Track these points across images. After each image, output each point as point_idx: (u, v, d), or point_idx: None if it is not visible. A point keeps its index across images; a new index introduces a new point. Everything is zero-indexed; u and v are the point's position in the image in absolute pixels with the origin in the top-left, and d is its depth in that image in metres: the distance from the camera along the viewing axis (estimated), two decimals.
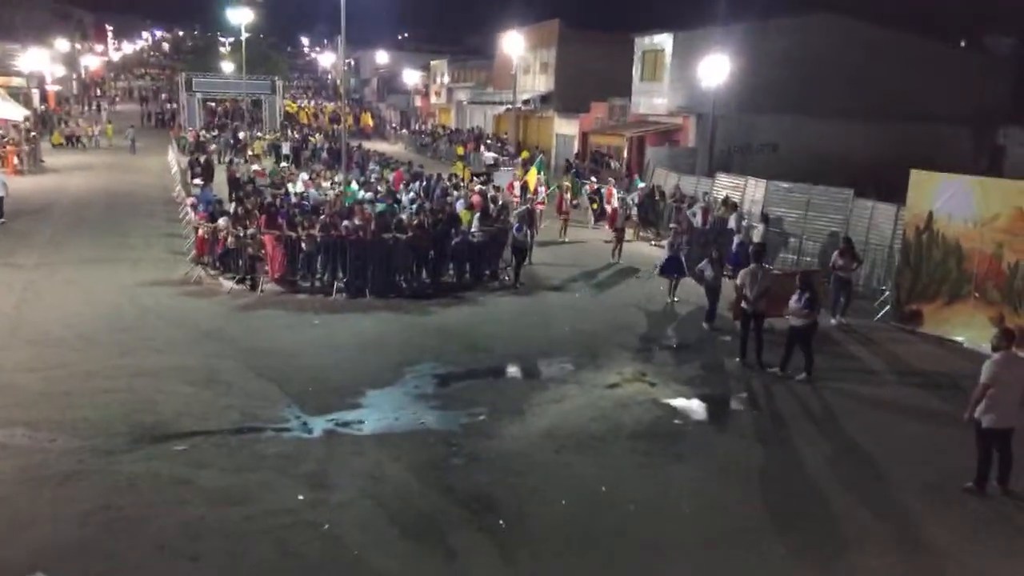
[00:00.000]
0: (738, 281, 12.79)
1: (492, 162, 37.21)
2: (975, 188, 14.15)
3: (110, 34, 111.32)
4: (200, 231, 17.50)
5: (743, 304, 12.61)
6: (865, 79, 31.52)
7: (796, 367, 12.11)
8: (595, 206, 25.65)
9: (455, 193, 22.89)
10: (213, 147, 39.56)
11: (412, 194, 23.09)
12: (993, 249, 13.60)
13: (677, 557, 7.40)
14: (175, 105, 60.05)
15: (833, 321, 15.18)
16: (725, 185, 23.42)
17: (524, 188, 25.65)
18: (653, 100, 33.92)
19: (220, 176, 28.53)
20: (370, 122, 62.83)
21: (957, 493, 8.63)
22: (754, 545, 7.61)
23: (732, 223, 19.72)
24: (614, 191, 24.42)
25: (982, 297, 13.81)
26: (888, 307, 15.72)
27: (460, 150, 42.92)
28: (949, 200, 14.33)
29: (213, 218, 17.64)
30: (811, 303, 11.85)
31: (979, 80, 33.97)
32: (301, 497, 8.08)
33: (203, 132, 45.54)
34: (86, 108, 68.32)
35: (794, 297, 11.96)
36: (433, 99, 70.70)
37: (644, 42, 34.70)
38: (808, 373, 12.03)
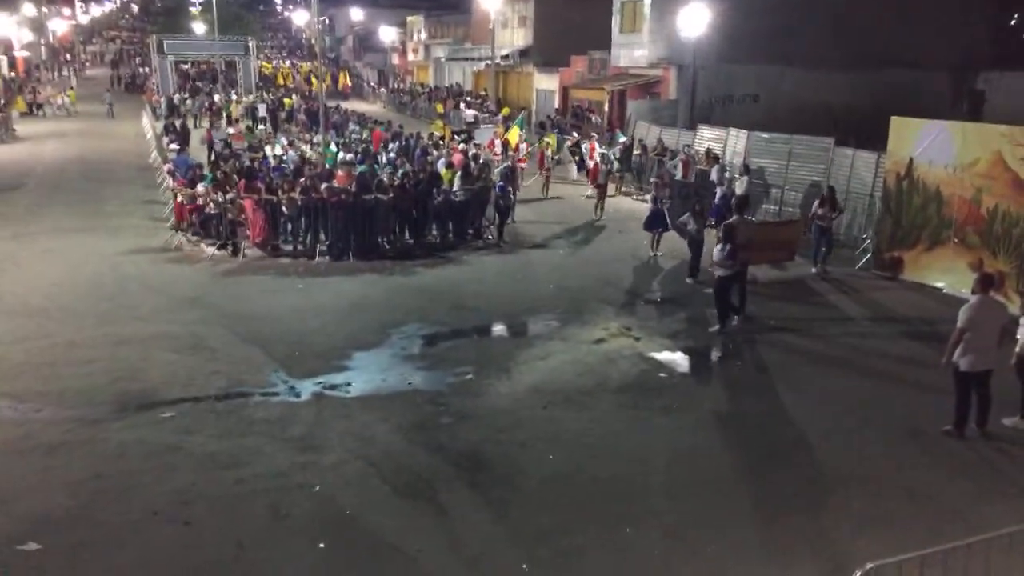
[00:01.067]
0: (719, 233, 12.80)
1: (472, 120, 36.81)
2: (955, 133, 14.16)
3: None
4: (178, 197, 17.29)
5: (718, 271, 12.59)
6: (844, 26, 31.25)
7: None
8: (576, 158, 25.59)
9: (435, 152, 22.67)
10: (187, 109, 38.89)
11: (392, 154, 22.86)
12: (972, 194, 13.66)
13: (665, 506, 7.53)
14: (147, 69, 58.85)
15: (814, 270, 15.28)
16: (707, 137, 23.31)
17: (505, 145, 25.45)
18: (633, 52, 33.54)
19: (196, 141, 28.12)
20: (348, 82, 61.88)
21: (937, 436, 8.79)
22: (739, 491, 7.75)
23: (714, 175, 19.69)
24: (596, 146, 24.29)
25: (961, 242, 13.92)
26: (869, 255, 15.82)
27: (440, 108, 42.43)
28: (929, 146, 14.35)
29: (192, 183, 17.41)
30: (733, 254, 11.86)
31: (958, 24, 33.80)
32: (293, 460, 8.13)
33: (177, 96, 44.71)
34: (56, 74, 66.86)
35: (717, 248, 12.04)
36: (411, 56, 69.61)
37: None
38: (721, 325, 12.05)
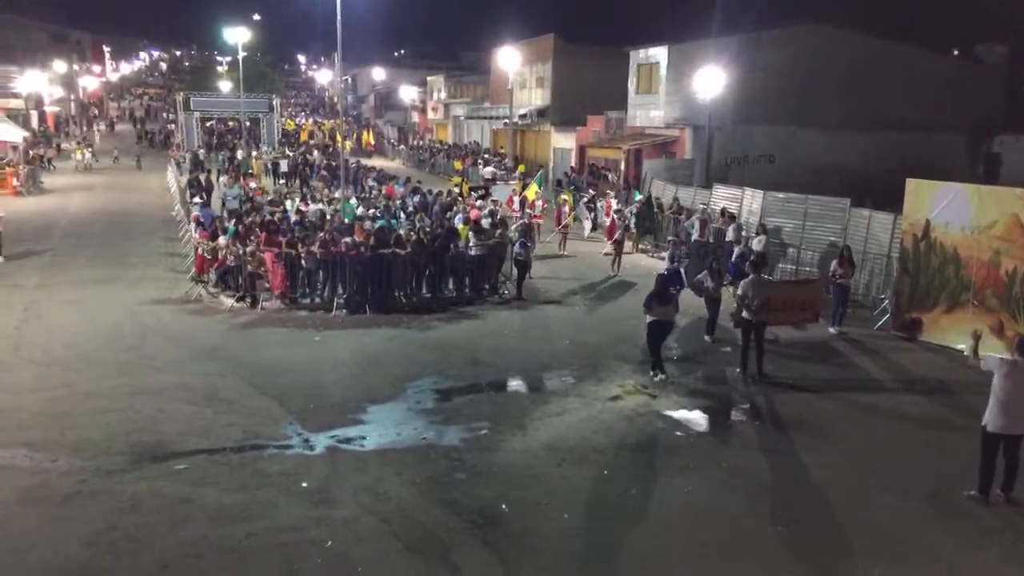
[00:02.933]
0: (739, 291, 12.84)
1: (490, 176, 37.31)
2: (971, 195, 14.20)
3: (108, 55, 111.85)
4: (199, 249, 17.54)
5: (744, 313, 12.64)
6: (858, 89, 31.71)
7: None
8: (591, 214, 25.83)
9: (454, 208, 22.96)
10: (210, 165, 39.65)
11: (411, 208, 23.16)
12: (990, 256, 13.63)
13: (681, 570, 7.39)
14: (173, 125, 60.30)
15: (832, 330, 15.21)
16: (723, 196, 23.49)
17: (523, 202, 25.72)
18: (649, 113, 34.06)
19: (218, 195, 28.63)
20: (371, 140, 63.03)
21: (960, 501, 8.62)
22: (758, 556, 7.60)
23: (731, 234, 19.78)
24: (612, 203, 24.50)
25: (980, 305, 13.84)
26: (887, 316, 15.74)
27: (458, 165, 43.05)
28: (946, 208, 14.38)
29: (214, 236, 17.68)
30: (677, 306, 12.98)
31: (973, 89, 34.18)
32: (306, 514, 8.07)
33: (202, 151, 45.67)
34: (83, 129, 68.57)
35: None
36: (430, 115, 70.98)
37: (639, 55, 34.89)
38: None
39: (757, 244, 18.83)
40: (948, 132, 32.36)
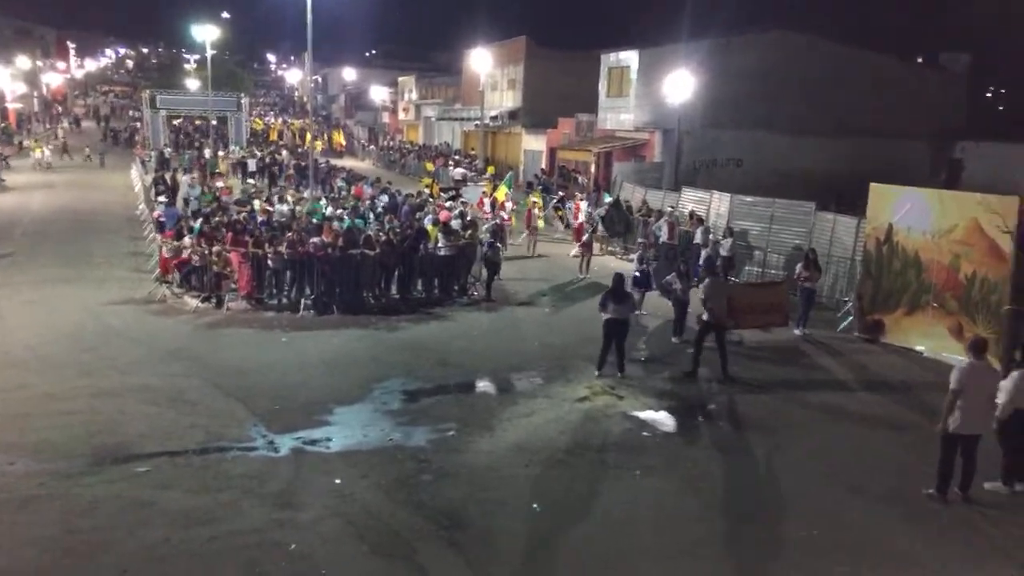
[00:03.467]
0: (700, 294, 13.02)
1: (460, 178, 37.26)
2: (933, 200, 14.48)
3: (73, 51, 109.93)
4: (164, 249, 17.30)
5: (704, 316, 12.83)
6: (826, 95, 32.17)
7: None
8: (560, 213, 25.96)
9: (425, 209, 22.91)
10: (177, 164, 39.13)
11: (380, 208, 23.06)
12: (950, 260, 13.89)
13: (645, 569, 7.42)
14: (139, 123, 59.44)
15: (798, 332, 15.40)
16: (691, 199, 23.69)
17: (494, 204, 25.74)
18: (619, 116, 34.25)
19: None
20: (342, 141, 62.60)
21: (920, 500, 8.77)
22: (723, 556, 7.67)
23: (699, 237, 19.95)
24: (582, 205, 24.60)
25: (940, 307, 14.09)
26: (851, 318, 15.97)
27: (429, 166, 42.95)
28: (908, 212, 14.64)
29: (179, 236, 17.45)
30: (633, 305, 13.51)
31: (936, 96, 34.85)
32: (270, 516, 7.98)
33: (168, 149, 45.07)
34: (47, 126, 67.35)
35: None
36: (401, 115, 70.75)
37: (610, 59, 35.07)
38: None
39: (724, 248, 19.03)
40: (912, 138, 32.95)
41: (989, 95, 69.60)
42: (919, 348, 14.40)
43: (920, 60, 41.34)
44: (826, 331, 15.79)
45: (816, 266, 15.86)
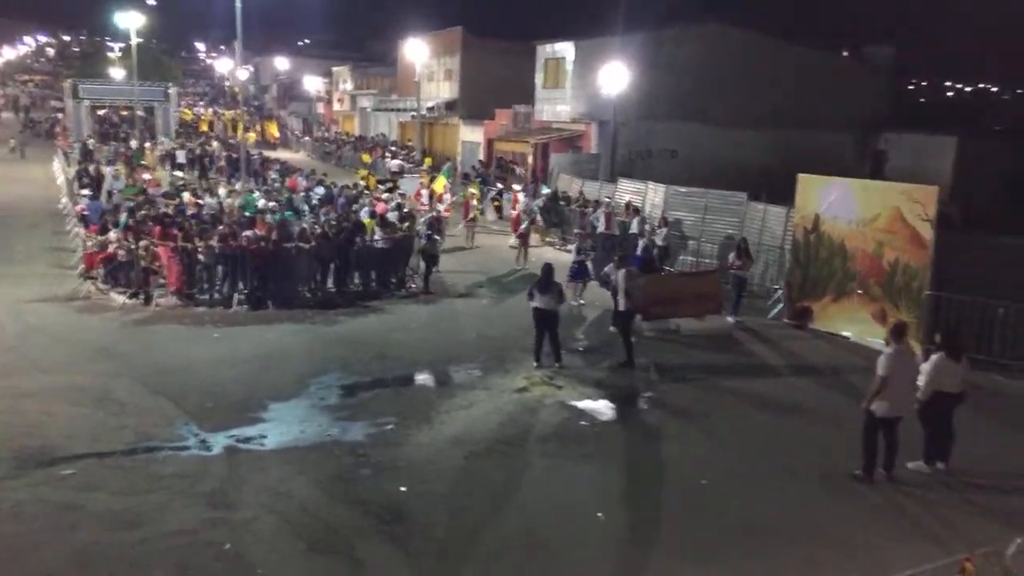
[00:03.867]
0: (621, 284, 13.21)
1: (398, 169, 36.93)
2: (857, 190, 14.94)
3: None
4: (88, 243, 16.70)
5: (621, 305, 13.10)
6: (756, 88, 32.88)
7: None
8: (497, 204, 25.98)
9: (361, 201, 22.63)
10: (101, 156, 37.74)
11: (316, 200, 22.70)
12: (874, 248, 14.35)
13: (585, 556, 7.50)
14: (61, 114, 57.19)
15: (730, 319, 15.73)
16: (627, 190, 23.96)
17: (431, 195, 25.59)
18: (556, 107, 34.41)
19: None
20: (276, 132, 61.23)
21: (847, 482, 9.06)
22: (658, 540, 7.80)
23: (635, 227, 20.17)
24: (520, 196, 24.63)
25: (865, 294, 14.56)
26: (780, 306, 16.39)
27: (367, 158, 42.41)
28: (834, 202, 15.06)
29: (104, 230, 16.86)
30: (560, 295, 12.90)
31: (861, 88, 35.94)
32: (201, 517, 7.80)
33: (91, 141, 43.47)
34: None
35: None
36: (336, 106, 69.72)
37: (546, 50, 35.18)
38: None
39: (659, 238, 19.30)
40: (839, 130, 33.94)
41: (911, 87, 72.19)
42: (845, 333, 14.86)
43: (846, 53, 42.53)
44: (757, 318, 16.17)
45: (748, 255, 16.23)
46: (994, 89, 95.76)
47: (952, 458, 9.29)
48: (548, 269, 12.91)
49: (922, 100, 71.88)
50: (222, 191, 24.47)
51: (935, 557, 6.84)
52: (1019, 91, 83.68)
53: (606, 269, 15.44)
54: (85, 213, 19.54)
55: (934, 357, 9.23)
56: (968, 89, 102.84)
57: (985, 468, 9.43)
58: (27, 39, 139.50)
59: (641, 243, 18.72)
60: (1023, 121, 54.92)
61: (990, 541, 6.45)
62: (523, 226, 21.21)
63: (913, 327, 13.24)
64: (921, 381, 9.15)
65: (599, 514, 8.25)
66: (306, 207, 21.71)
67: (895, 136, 34.38)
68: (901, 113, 39.83)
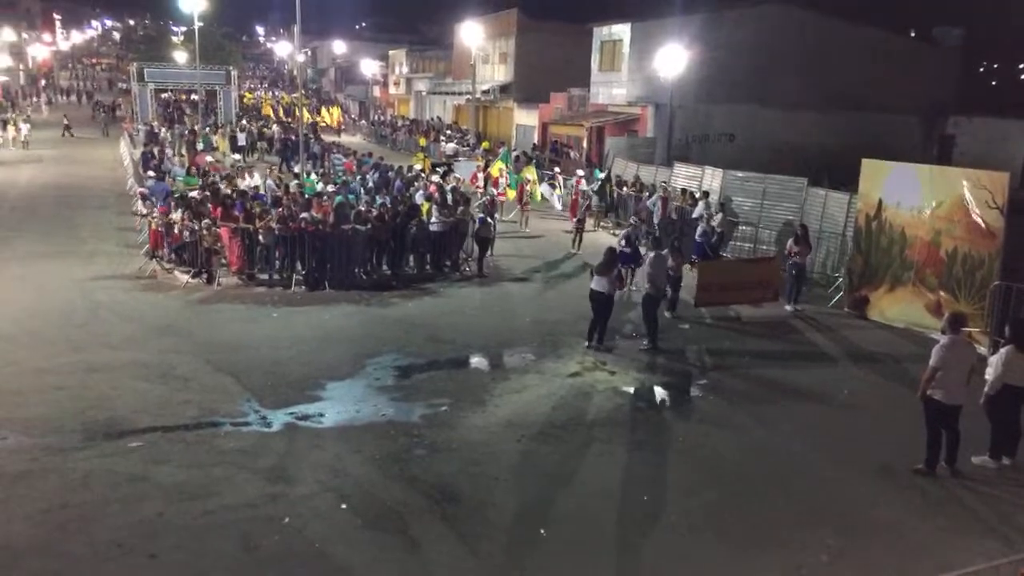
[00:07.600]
0: (646, 268, 13.21)
1: (452, 153, 37.08)
2: (922, 176, 14.48)
3: (58, 24, 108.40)
4: (153, 224, 17.19)
5: (649, 290, 13.08)
6: (818, 69, 32.07)
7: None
8: (559, 191, 25.76)
9: (416, 184, 22.80)
10: (165, 137, 38.72)
11: (371, 184, 22.94)
12: (932, 236, 13.91)
13: (639, 542, 7.50)
14: (128, 97, 58.76)
15: (789, 308, 15.46)
16: (683, 174, 23.63)
17: (487, 179, 25.61)
18: (612, 90, 34.08)
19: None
20: (340, 118, 59.04)
21: (909, 474, 8.87)
22: (713, 528, 7.75)
23: (700, 210, 19.76)
24: (583, 182, 24.31)
25: (921, 284, 14.14)
26: (841, 294, 16.04)
27: (422, 141, 42.65)
28: (898, 188, 14.65)
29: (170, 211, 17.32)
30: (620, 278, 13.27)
31: (929, 70, 34.77)
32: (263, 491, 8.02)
33: (156, 123, 44.64)
34: (32, 100, 66.55)
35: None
36: (392, 89, 70.22)
37: (602, 32, 34.82)
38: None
39: (716, 221, 19.00)
40: (905, 113, 32.92)
41: (982, 70, 69.52)
42: (899, 324, 14.48)
43: (913, 34, 41.16)
44: (818, 306, 15.87)
45: (807, 242, 15.89)
46: None
47: (1019, 453, 9.01)
48: (610, 253, 12.89)
49: (994, 84, 69.16)
50: (282, 174, 24.85)
51: (997, 555, 6.66)
52: None
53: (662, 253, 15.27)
54: (148, 195, 20.04)
55: (1003, 350, 8.94)
56: None
57: None
58: (94, 23, 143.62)
59: (700, 227, 18.45)
60: None
61: None
62: (579, 211, 21.11)
63: (978, 319, 12.85)
64: (989, 374, 8.89)
65: (652, 500, 8.23)
66: (362, 190, 21.93)
67: (964, 120, 33.20)
68: (971, 96, 38.44)
